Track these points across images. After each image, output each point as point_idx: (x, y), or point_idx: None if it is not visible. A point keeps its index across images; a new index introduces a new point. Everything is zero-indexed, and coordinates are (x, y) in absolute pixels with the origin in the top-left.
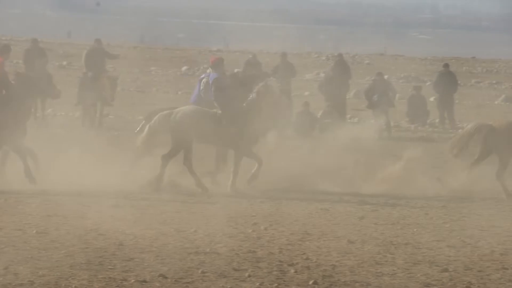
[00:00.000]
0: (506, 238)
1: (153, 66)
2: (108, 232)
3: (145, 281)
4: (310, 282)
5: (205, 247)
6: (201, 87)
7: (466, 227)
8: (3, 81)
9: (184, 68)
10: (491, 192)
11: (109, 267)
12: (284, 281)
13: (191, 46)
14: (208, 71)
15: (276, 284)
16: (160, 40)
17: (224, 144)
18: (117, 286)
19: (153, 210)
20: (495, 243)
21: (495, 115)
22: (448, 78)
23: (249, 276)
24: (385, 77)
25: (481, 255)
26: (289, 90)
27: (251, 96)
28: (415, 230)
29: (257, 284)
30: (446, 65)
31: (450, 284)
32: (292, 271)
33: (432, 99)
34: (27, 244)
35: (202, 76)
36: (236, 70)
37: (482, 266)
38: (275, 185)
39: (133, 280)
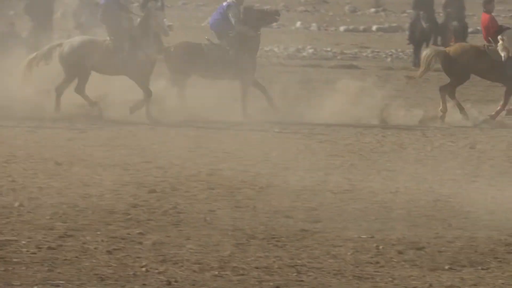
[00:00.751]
0: (212, 159)
1: None
2: None
3: None
4: (16, 204)
5: None
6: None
7: (173, 149)
8: None
9: None
10: (199, 115)
11: None
12: None
13: None
14: None
15: None
16: None
17: (117, 72)
18: None
19: None
20: (202, 164)
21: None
22: None
23: None
24: None
25: (188, 176)
26: None
27: (137, 21)
28: (123, 151)
29: None
30: None
31: (157, 204)
32: None
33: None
34: None
35: (224, 4)
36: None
37: (189, 186)
38: None
39: None
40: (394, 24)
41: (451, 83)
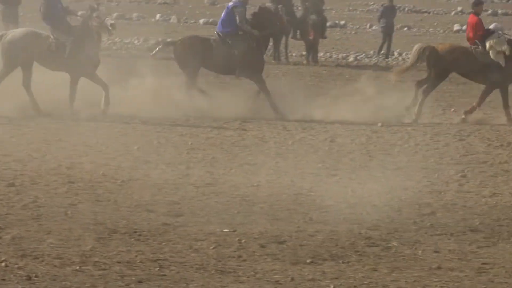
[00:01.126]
0: (72, 152)
1: None
2: None
3: None
4: None
5: None
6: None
7: (33, 141)
8: None
9: None
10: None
11: None
12: None
13: None
14: None
15: None
16: None
17: (59, 69)
18: None
19: None
20: (62, 157)
21: None
22: None
23: None
24: None
25: (48, 169)
26: None
27: (81, 20)
28: None
29: None
30: None
31: (16, 198)
32: None
33: None
34: None
35: (229, 5)
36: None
37: (48, 180)
38: None
39: None
40: None
41: (432, 83)
